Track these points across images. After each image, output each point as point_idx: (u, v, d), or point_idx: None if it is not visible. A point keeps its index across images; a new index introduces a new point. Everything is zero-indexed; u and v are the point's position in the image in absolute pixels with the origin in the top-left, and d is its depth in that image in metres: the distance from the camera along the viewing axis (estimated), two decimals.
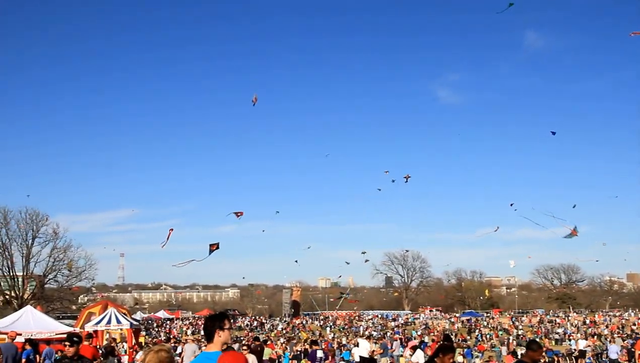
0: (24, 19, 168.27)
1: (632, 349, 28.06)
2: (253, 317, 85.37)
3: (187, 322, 72.73)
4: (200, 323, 66.67)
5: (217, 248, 22.40)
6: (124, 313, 33.41)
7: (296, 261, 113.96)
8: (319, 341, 28.07)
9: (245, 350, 13.74)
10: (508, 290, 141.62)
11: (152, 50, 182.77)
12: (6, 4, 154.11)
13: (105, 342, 26.21)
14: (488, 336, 50.58)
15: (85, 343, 17.92)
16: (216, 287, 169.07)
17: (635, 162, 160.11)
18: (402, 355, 29.36)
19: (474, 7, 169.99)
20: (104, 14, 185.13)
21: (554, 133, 31.52)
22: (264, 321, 76.74)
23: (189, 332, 58.92)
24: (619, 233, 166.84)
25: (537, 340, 42.52)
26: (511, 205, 33.88)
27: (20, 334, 24.19)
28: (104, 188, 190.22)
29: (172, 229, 25.68)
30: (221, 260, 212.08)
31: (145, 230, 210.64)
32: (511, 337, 48.56)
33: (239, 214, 24.57)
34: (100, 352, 18.87)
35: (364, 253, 46.34)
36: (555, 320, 70.76)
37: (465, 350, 35.67)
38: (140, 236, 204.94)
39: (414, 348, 27.34)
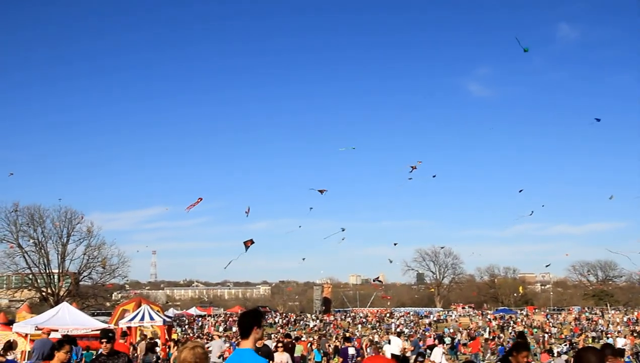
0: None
1: None
2: (284, 314, 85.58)
3: (219, 318, 73.19)
4: (231, 320, 67.08)
5: (253, 243, 22.36)
6: (157, 310, 33.65)
7: (303, 259, 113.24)
8: (351, 338, 27.83)
9: (280, 348, 13.65)
10: (543, 287, 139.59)
11: (179, 47, 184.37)
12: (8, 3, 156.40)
13: (138, 339, 26.38)
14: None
15: (121, 341, 18.09)
16: (247, 284, 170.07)
17: None
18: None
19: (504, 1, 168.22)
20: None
21: (598, 120, 30.52)
22: (295, 318, 76.83)
23: (220, 328, 59.23)
24: None
25: (576, 337, 41.68)
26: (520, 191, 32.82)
27: (57, 330, 24.51)
28: (137, 187, 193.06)
29: (200, 198, 25.91)
30: (253, 258, 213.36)
31: (176, 227, 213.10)
32: (546, 335, 47.78)
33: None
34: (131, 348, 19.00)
35: (395, 244, 45.97)
36: (592, 318, 69.44)
37: (499, 347, 35.24)
38: (172, 233, 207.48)
39: (431, 348, 27.06)
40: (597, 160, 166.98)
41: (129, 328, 29.16)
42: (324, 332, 54.35)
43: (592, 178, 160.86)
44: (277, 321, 70.88)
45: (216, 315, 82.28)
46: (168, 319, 34.61)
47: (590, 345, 35.61)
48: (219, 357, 18.34)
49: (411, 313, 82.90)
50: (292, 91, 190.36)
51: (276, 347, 14.69)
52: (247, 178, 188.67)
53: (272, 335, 40.13)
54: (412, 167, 37.52)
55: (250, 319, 5.19)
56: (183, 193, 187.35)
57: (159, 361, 22.43)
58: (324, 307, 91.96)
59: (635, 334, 43.71)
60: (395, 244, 44.44)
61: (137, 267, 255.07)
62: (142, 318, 30.17)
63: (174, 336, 36.66)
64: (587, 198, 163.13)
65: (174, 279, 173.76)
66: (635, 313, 76.38)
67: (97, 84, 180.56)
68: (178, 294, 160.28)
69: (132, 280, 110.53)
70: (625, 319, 67.13)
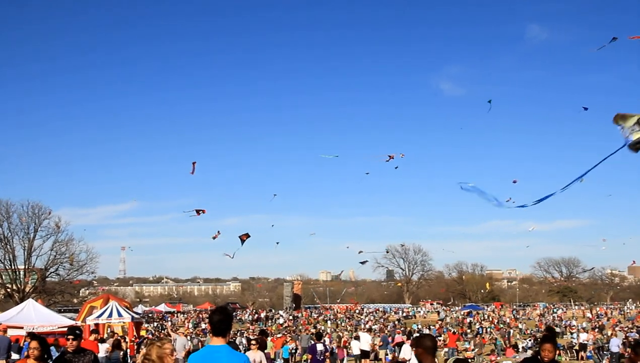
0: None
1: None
2: (254, 311, 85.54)
3: (189, 315, 72.88)
4: (201, 316, 66.87)
5: (248, 236, 22.50)
6: (126, 307, 33.42)
7: (277, 242, 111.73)
8: (323, 334, 28.04)
9: (254, 346, 13.52)
10: (509, 284, 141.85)
11: (151, 45, 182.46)
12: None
13: (106, 335, 26.23)
14: (489, 329, 50.55)
15: (90, 338, 18.01)
16: (217, 281, 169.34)
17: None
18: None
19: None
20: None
21: (586, 108, 30.86)
22: (266, 314, 76.76)
23: (187, 324, 59.05)
24: (621, 226, 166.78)
25: (540, 333, 42.57)
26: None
27: (22, 327, 24.27)
28: (106, 182, 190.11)
29: (195, 162, 26.29)
30: (223, 253, 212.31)
31: (146, 223, 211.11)
32: (512, 330, 48.63)
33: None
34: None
35: (360, 252, 46.27)
36: (556, 313, 70.90)
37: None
38: (142, 229, 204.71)
39: (400, 345, 27.31)
40: (566, 158, 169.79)
41: (97, 325, 28.94)
42: (294, 328, 54.49)
43: (560, 175, 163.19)
44: (247, 318, 70.78)
45: (186, 311, 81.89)
46: (137, 316, 34.37)
47: None
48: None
49: (380, 309, 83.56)
50: (262, 88, 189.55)
51: (249, 344, 14.49)
52: (219, 174, 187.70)
53: (243, 332, 40.20)
54: (389, 156, 37.87)
55: (228, 317, 5.21)
56: (152, 189, 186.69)
57: (127, 358, 22.36)
58: (294, 304, 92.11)
59: (597, 329, 44.72)
60: (361, 258, 44.33)
61: (106, 263, 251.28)
62: (110, 315, 29.92)
63: (143, 333, 36.49)
64: (555, 196, 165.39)
65: (143, 275, 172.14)
66: (598, 308, 78.28)
67: (65, 80, 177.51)
68: (147, 291, 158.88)
69: (101, 277, 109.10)
70: (588, 315, 68.73)
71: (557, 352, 31.39)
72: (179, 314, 74.31)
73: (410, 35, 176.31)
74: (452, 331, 41.25)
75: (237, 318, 67.52)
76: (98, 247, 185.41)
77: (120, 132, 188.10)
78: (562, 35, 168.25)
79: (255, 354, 13.19)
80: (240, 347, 19.41)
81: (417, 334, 36.68)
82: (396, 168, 49.15)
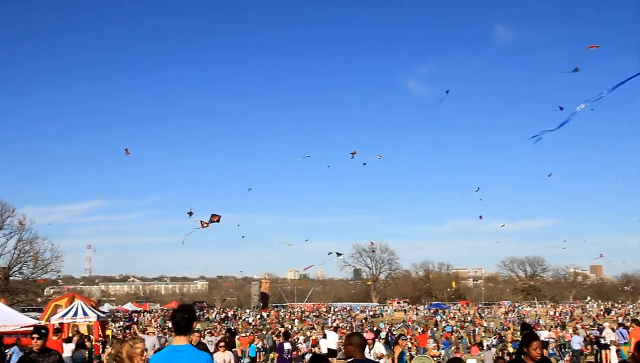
0: None
1: (596, 337, 28.68)
2: (221, 309, 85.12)
3: (156, 314, 72.19)
4: (168, 315, 66.35)
5: (218, 221, 22.33)
6: (92, 306, 33.05)
7: (243, 236, 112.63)
8: (290, 333, 28.10)
9: (222, 347, 13.41)
10: (475, 282, 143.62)
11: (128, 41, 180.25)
12: None
13: (71, 334, 25.92)
14: (455, 327, 51.19)
15: (54, 338, 17.77)
16: (185, 279, 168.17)
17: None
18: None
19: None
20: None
21: (561, 108, 31.51)
22: (233, 313, 76.45)
23: (154, 323, 58.51)
24: (584, 226, 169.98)
25: (504, 330, 43.32)
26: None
27: None
28: (71, 181, 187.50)
29: (127, 148, 25.52)
30: (190, 253, 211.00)
31: (112, 222, 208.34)
32: (477, 329, 49.30)
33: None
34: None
35: (330, 254, 46.57)
36: (520, 312, 72.09)
37: (444, 341, 36.32)
38: (108, 228, 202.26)
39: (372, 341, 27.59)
40: (533, 158, 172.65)
41: (62, 324, 28.58)
42: (261, 326, 54.45)
43: (526, 175, 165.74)
44: (214, 317, 70.43)
45: (152, 310, 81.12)
46: (102, 315, 34.01)
47: (517, 338, 37.10)
48: None
49: (348, 308, 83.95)
50: (228, 88, 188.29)
51: (217, 345, 14.37)
52: (187, 172, 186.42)
53: (211, 331, 39.97)
54: (351, 153, 38.44)
55: (191, 316, 5.15)
56: (118, 188, 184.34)
57: (92, 357, 22.13)
58: (261, 303, 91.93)
59: (559, 327, 45.64)
60: (330, 253, 44.64)
61: (72, 261, 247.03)
62: (75, 314, 29.57)
63: (109, 332, 36.11)
64: (521, 196, 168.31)
65: (109, 274, 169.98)
66: (561, 307, 79.86)
67: (28, 75, 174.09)
68: (113, 289, 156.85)
69: (66, 276, 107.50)
70: (552, 313, 70.09)
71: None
72: (145, 313, 73.54)
73: (377, 35, 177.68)
74: (420, 330, 41.77)
75: (205, 317, 67.19)
76: (64, 245, 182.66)
77: (86, 130, 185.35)
78: (528, 36, 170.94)
79: (224, 355, 13.14)
80: (210, 345, 19.32)
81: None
82: (364, 164, 49.48)
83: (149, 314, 72.04)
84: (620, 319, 48.93)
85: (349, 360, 5.87)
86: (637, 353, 6.52)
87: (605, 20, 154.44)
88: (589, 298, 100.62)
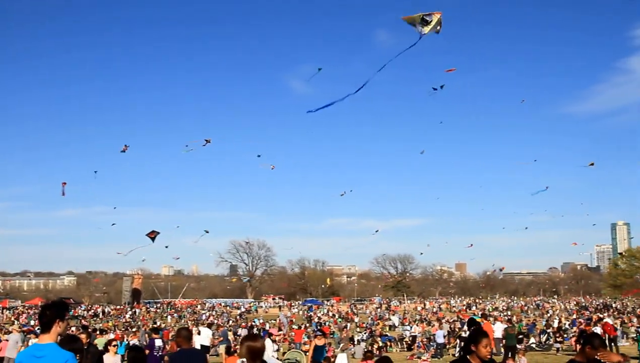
0: None
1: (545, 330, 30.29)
2: (89, 306, 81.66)
3: (16, 311, 67.90)
4: (29, 312, 62.68)
5: (157, 234, 21.51)
6: None
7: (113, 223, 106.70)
8: (159, 329, 27.38)
9: (113, 349, 12.68)
10: (348, 279, 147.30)
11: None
12: None
13: None
14: (327, 324, 52.16)
15: None
16: (50, 274, 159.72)
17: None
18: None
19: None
20: None
21: (435, 89, 32.59)
22: (102, 309, 73.51)
23: (16, 322, 54.99)
24: (451, 226, 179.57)
25: (375, 326, 44.76)
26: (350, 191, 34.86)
27: None
28: None
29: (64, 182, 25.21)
30: (57, 246, 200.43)
31: None
32: (349, 324, 50.53)
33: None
34: None
35: (207, 232, 46.16)
36: (390, 307, 74.87)
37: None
38: None
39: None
40: (405, 159, 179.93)
41: None
42: (133, 323, 52.84)
43: (398, 177, 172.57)
44: (81, 313, 67.34)
45: (12, 307, 76.23)
46: None
47: (386, 333, 38.52)
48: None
49: (222, 304, 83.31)
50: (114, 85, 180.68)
51: (106, 347, 13.60)
52: (55, 163, 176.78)
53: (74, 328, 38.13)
54: (206, 140, 38.83)
55: (53, 312, 4.95)
56: None
57: None
58: (133, 299, 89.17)
59: (425, 322, 47.83)
60: (207, 231, 44.09)
61: None
62: None
63: None
64: (394, 196, 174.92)
65: None
66: (428, 302, 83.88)
67: None
68: None
69: None
70: (419, 308, 73.39)
71: (390, 344, 33.17)
72: (4, 310, 68.89)
73: (263, 33, 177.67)
74: (297, 326, 42.22)
75: (72, 314, 64.03)
76: None
77: None
78: (408, 42, 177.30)
79: (114, 358, 12.61)
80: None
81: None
82: (259, 156, 49.76)
83: (8, 311, 67.55)
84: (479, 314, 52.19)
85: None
86: (590, 349, 5.92)
87: None
88: (453, 294, 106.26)
